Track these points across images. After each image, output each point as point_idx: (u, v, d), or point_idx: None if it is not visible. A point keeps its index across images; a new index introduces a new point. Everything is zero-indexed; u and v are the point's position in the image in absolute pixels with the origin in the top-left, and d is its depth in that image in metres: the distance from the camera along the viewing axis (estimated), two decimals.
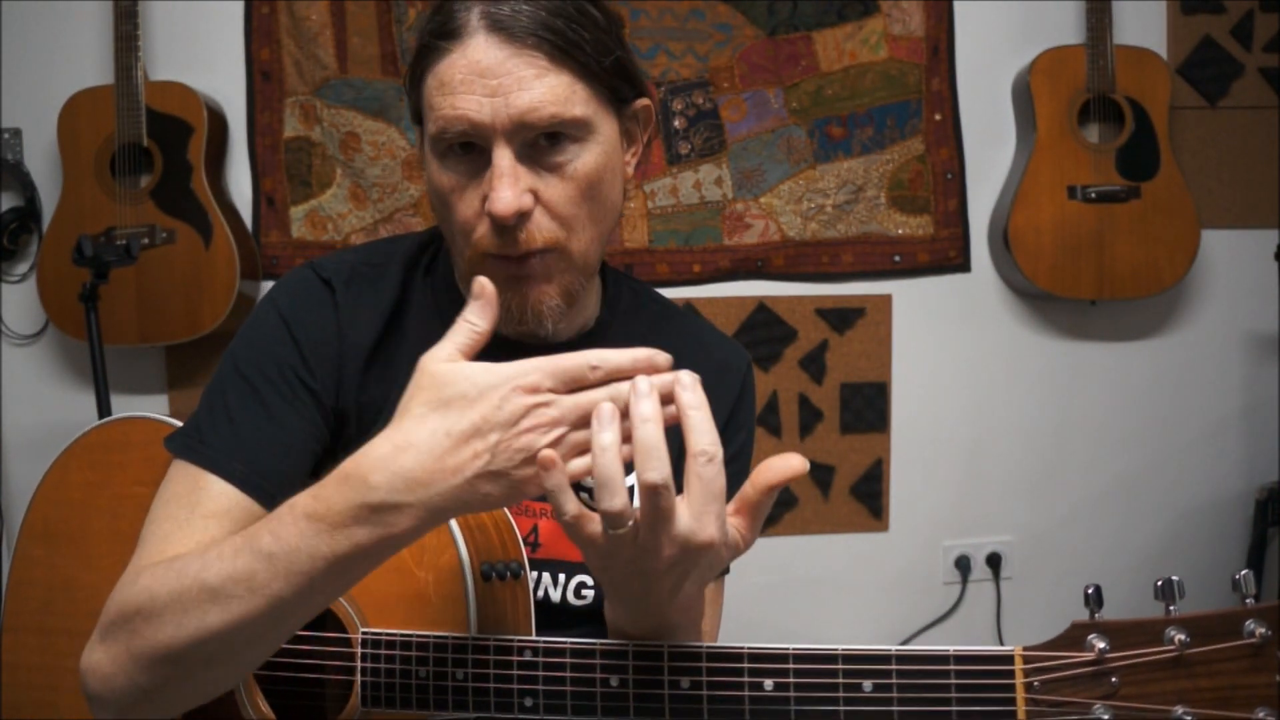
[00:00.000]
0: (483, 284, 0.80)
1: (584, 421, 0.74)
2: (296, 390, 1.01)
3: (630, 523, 0.72)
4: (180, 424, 1.05)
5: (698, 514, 0.73)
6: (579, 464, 0.75)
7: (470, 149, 0.96)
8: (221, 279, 2.34)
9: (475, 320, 0.79)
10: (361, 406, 1.04)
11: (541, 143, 0.95)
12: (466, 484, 0.74)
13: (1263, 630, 0.67)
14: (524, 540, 0.99)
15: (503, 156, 0.93)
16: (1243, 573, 0.69)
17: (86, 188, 2.35)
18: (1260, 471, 2.69)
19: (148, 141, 2.33)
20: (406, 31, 2.49)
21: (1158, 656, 0.69)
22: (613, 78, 0.99)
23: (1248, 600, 0.69)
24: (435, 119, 0.95)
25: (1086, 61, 2.48)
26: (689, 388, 0.74)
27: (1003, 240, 2.52)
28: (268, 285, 2.50)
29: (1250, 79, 2.65)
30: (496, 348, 0.96)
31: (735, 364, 1.16)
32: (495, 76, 0.92)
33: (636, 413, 0.72)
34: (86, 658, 0.89)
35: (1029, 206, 2.50)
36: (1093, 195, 2.48)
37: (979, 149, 2.62)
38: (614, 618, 0.87)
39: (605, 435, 0.72)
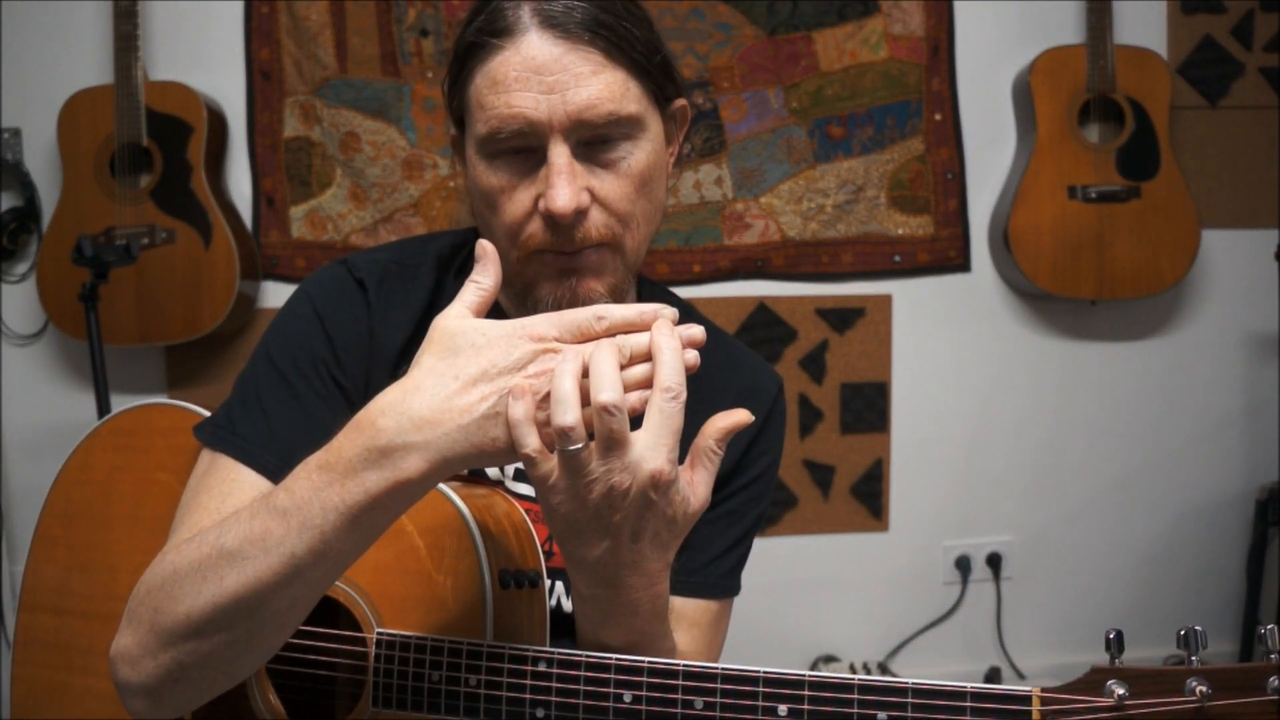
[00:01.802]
0: (483, 246, 0.82)
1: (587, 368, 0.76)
2: (329, 386, 1.01)
3: (582, 445, 0.74)
4: (206, 413, 1.05)
5: (652, 444, 0.75)
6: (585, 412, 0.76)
7: (520, 149, 0.95)
8: (221, 279, 2.34)
9: (481, 279, 0.81)
10: None
11: (596, 140, 0.95)
12: (475, 424, 0.75)
13: None
14: (539, 548, 0.99)
15: (560, 154, 0.93)
16: (1269, 627, 0.68)
17: (86, 188, 2.35)
18: (1260, 471, 2.69)
19: (147, 141, 2.33)
20: (406, 31, 2.49)
21: (1178, 707, 0.68)
22: (660, 76, 0.99)
23: (1271, 655, 0.67)
24: (487, 118, 0.94)
25: (1087, 61, 2.48)
26: (664, 331, 0.76)
27: (1003, 240, 2.52)
28: (268, 285, 2.50)
29: (1250, 79, 2.65)
30: None
31: (765, 387, 1.15)
32: (551, 73, 0.92)
33: (593, 344, 0.76)
34: (114, 645, 0.89)
35: (1029, 206, 2.50)
36: (1093, 195, 2.48)
37: (979, 149, 2.62)
38: (579, 605, 0.87)
39: (565, 363, 0.75)
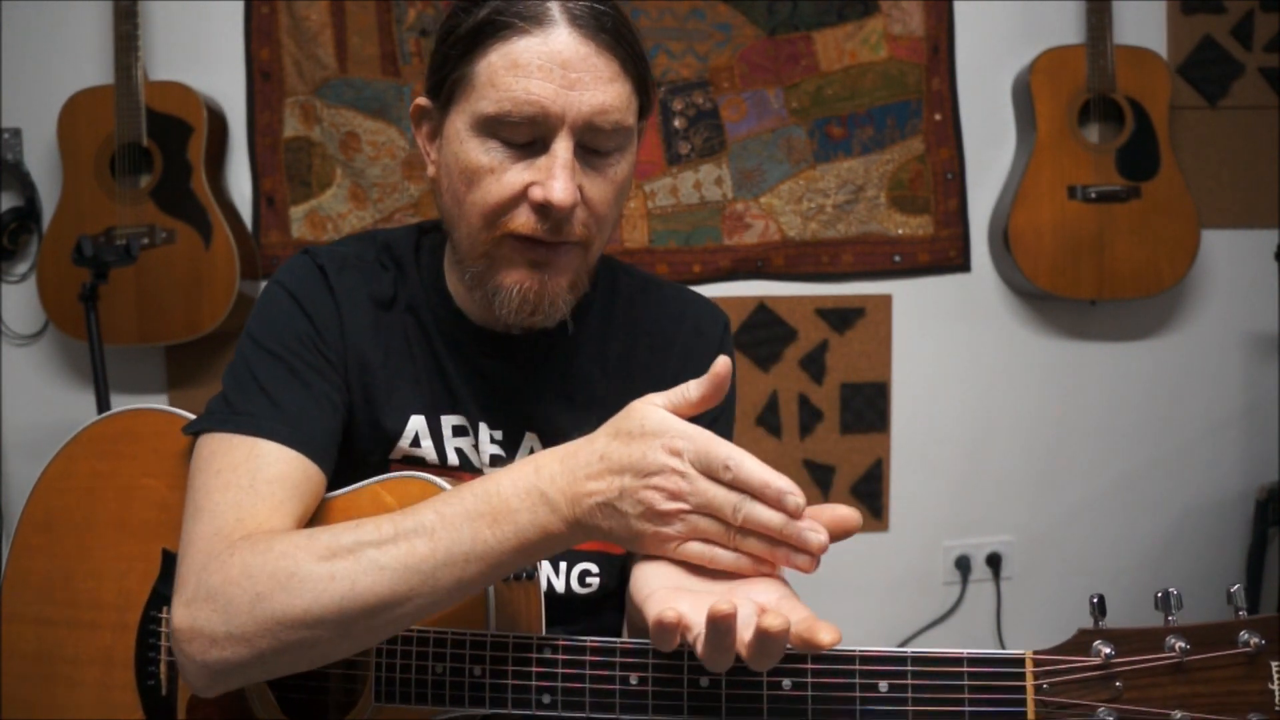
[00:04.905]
0: (721, 366, 0.82)
1: (704, 509, 0.79)
2: (319, 360, 1.04)
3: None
4: (192, 416, 1.05)
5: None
6: (692, 548, 0.80)
7: (521, 136, 0.97)
8: (221, 279, 2.34)
9: (693, 388, 0.83)
10: (354, 391, 1.08)
11: (593, 144, 0.98)
12: (594, 509, 0.81)
13: (1256, 640, 0.71)
14: None
15: (566, 149, 0.96)
16: (1235, 587, 0.74)
17: (86, 188, 2.35)
18: (1260, 471, 2.69)
19: (147, 141, 2.33)
20: (406, 31, 2.49)
21: (1159, 663, 0.73)
22: (648, 95, 1.03)
23: (1240, 612, 0.73)
24: (499, 99, 0.95)
25: (1087, 61, 2.48)
26: (777, 632, 0.72)
27: (1003, 240, 2.52)
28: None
29: (1250, 79, 2.65)
30: (485, 340, 1.10)
31: (708, 330, 1.21)
32: (575, 70, 0.95)
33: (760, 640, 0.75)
34: (186, 618, 0.87)
35: (1029, 206, 2.50)
36: (1093, 195, 2.48)
37: (979, 149, 2.62)
38: None
39: (720, 658, 0.73)
